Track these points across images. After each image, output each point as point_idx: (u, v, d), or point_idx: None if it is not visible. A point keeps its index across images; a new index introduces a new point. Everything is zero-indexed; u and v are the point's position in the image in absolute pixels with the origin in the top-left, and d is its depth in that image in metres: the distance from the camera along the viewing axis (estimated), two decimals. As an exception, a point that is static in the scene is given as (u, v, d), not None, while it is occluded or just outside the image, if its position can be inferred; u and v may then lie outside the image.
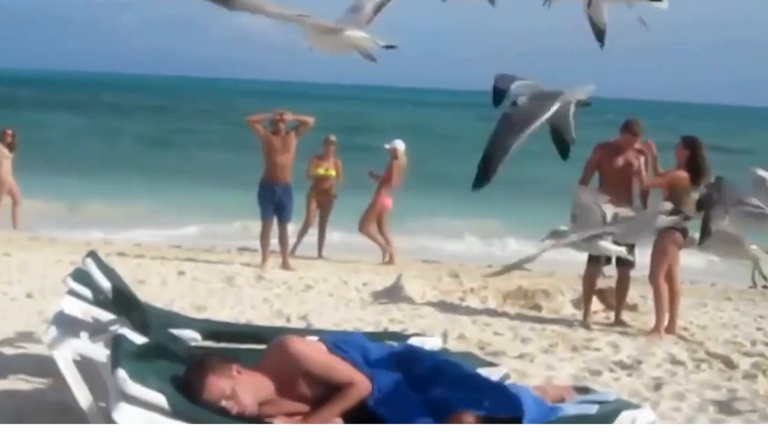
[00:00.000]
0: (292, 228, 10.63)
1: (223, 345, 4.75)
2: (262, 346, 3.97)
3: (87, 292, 4.45)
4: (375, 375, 3.70)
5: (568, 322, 7.59)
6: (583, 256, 7.63)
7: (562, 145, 3.92)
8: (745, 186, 5.04)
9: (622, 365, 6.12)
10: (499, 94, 4.16)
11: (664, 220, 6.32)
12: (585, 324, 7.50)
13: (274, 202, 10.17)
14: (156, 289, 8.09)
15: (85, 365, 4.08)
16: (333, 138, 11.74)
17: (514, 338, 6.85)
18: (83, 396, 3.86)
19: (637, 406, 4.02)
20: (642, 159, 7.57)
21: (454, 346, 6.13)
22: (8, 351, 5.59)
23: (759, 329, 7.62)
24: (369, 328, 6.66)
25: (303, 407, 3.66)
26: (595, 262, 7.52)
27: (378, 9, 4.26)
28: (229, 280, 8.88)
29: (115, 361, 3.49)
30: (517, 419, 3.58)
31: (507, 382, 4.19)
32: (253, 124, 10.25)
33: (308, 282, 9.07)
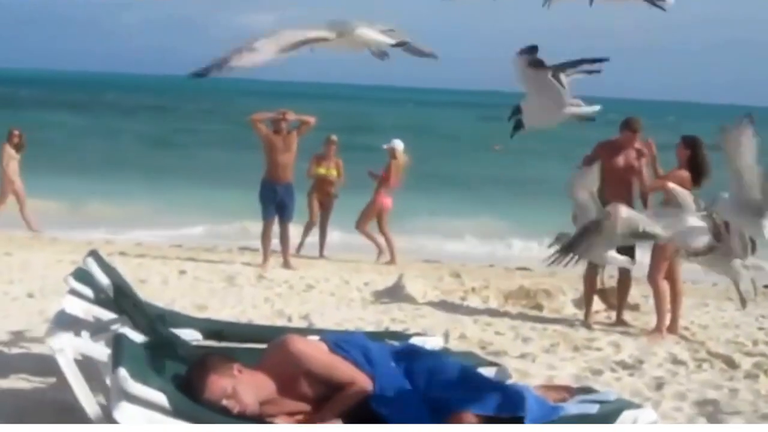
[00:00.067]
0: (292, 228, 10.61)
1: (224, 344, 4.74)
2: (264, 346, 3.97)
3: (88, 292, 4.45)
4: (376, 374, 3.70)
5: (569, 322, 7.59)
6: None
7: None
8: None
9: (624, 365, 6.12)
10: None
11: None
12: (586, 324, 7.50)
13: (275, 202, 10.16)
14: (157, 288, 8.09)
15: (86, 364, 4.08)
16: (334, 138, 11.74)
17: (515, 338, 6.85)
18: (84, 395, 3.85)
19: (638, 406, 4.01)
20: (643, 160, 7.57)
21: (455, 345, 6.13)
22: (9, 350, 5.59)
23: (760, 329, 7.61)
24: (370, 328, 6.66)
25: (304, 407, 3.66)
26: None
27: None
28: (230, 280, 8.88)
29: (116, 360, 3.49)
30: (519, 419, 3.57)
31: (508, 382, 4.20)
32: (256, 123, 10.25)
33: (309, 281, 9.07)
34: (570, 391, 4.17)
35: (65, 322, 4.27)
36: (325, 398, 3.64)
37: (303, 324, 6.92)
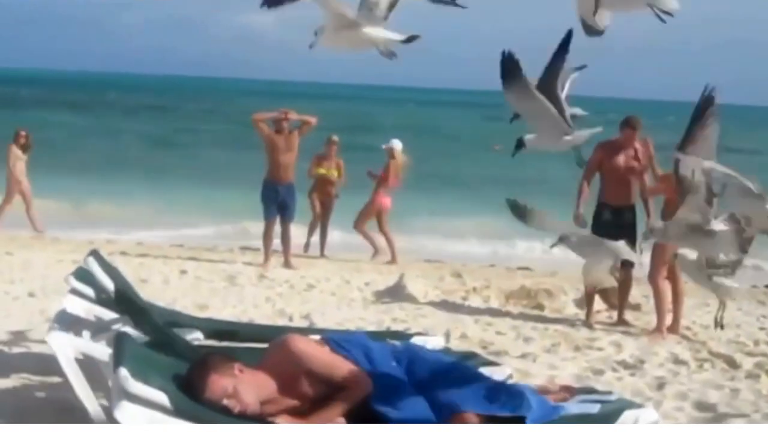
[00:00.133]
0: (293, 228, 10.60)
1: (225, 344, 4.75)
2: (264, 345, 3.97)
3: (89, 291, 4.45)
4: (377, 374, 3.69)
5: (570, 322, 7.58)
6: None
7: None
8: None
9: (625, 365, 6.12)
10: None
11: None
12: (588, 323, 7.50)
13: (277, 202, 10.17)
14: (158, 288, 8.09)
15: (87, 364, 4.08)
16: (335, 138, 11.75)
17: (516, 338, 6.84)
18: (85, 394, 3.86)
19: (639, 406, 4.01)
20: (643, 161, 7.57)
21: (456, 345, 6.12)
22: (11, 350, 5.59)
23: (762, 329, 7.61)
24: (371, 328, 6.66)
25: (305, 406, 3.65)
26: None
27: (392, 6, 4.25)
28: (231, 279, 8.88)
29: (117, 359, 3.49)
30: (520, 419, 3.57)
31: (509, 382, 4.20)
32: (258, 122, 10.24)
33: (310, 281, 9.07)
34: (571, 391, 4.16)
35: (66, 322, 4.28)
36: (326, 398, 3.64)
37: (304, 323, 6.92)
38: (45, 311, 6.37)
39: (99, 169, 20.66)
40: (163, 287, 8.24)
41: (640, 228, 7.57)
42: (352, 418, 3.61)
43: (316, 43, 4.15)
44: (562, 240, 5.86)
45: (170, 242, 12.34)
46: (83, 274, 4.51)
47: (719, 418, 5.04)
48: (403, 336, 5.05)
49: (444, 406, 3.59)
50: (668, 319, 7.23)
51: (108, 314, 4.46)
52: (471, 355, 4.82)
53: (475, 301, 8.34)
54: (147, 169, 21.55)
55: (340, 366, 3.68)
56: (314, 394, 3.65)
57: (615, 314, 7.79)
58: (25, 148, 12.64)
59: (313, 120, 10.35)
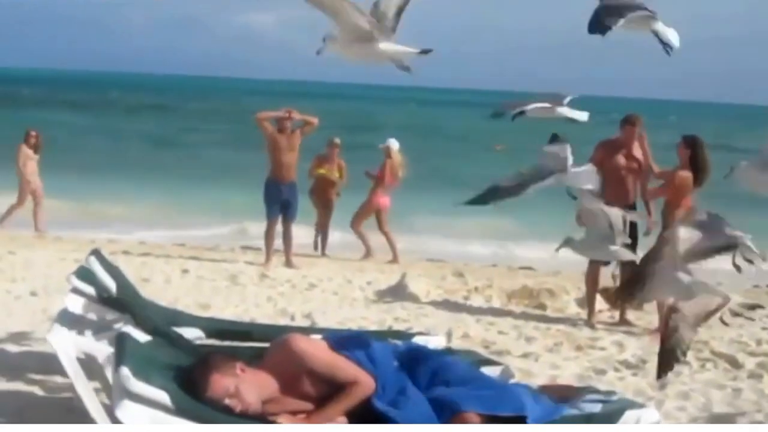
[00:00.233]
0: (294, 228, 10.59)
1: (226, 343, 4.75)
2: (266, 345, 3.97)
3: (91, 290, 4.44)
4: (379, 374, 3.69)
5: (572, 322, 7.58)
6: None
7: None
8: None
9: (627, 364, 6.11)
10: (497, 114, 4.41)
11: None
12: (590, 323, 7.49)
13: (280, 201, 10.17)
14: (160, 287, 8.09)
15: (88, 363, 4.08)
16: (337, 141, 11.77)
17: (518, 337, 6.84)
18: (87, 394, 3.85)
19: (641, 406, 4.00)
20: (650, 163, 7.58)
21: (458, 344, 6.12)
22: (12, 349, 5.59)
23: (764, 329, 7.59)
24: (373, 327, 6.66)
25: (307, 406, 3.65)
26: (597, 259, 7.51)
27: (400, 12, 4.27)
28: (233, 279, 8.88)
29: (119, 358, 3.49)
30: (522, 418, 3.57)
31: (511, 382, 4.19)
32: (262, 121, 10.24)
33: (312, 280, 9.06)
34: (573, 391, 4.16)
35: (68, 321, 4.27)
36: (328, 397, 3.64)
37: (306, 323, 6.91)
38: (47, 310, 6.37)
39: (101, 168, 20.65)
40: (165, 286, 8.24)
41: (641, 228, 7.59)
42: (354, 417, 3.61)
43: (323, 50, 4.16)
44: (567, 243, 5.87)
45: (172, 242, 12.34)
46: (85, 274, 4.50)
47: (721, 418, 5.03)
48: (405, 335, 5.05)
49: (445, 405, 3.58)
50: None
51: (109, 313, 4.45)
52: (473, 355, 4.81)
53: (477, 301, 8.34)
54: (149, 168, 21.54)
55: (342, 365, 3.67)
56: (316, 394, 3.65)
57: (617, 314, 7.78)
58: (36, 148, 12.66)
59: (315, 120, 10.36)
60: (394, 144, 11.53)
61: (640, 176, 7.63)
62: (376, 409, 3.60)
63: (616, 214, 6.33)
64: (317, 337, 3.99)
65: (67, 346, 3.98)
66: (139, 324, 4.23)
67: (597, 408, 3.84)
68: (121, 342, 3.68)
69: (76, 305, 4.41)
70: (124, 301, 4.37)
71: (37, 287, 7.62)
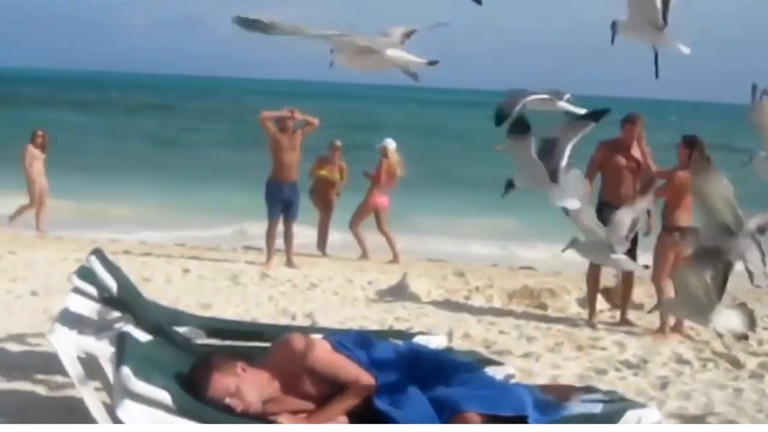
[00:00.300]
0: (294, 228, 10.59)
1: (227, 343, 4.75)
2: (267, 344, 3.97)
3: (92, 290, 4.44)
4: (380, 373, 3.69)
5: (573, 321, 7.58)
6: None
7: None
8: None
9: (628, 364, 6.11)
10: (501, 117, 4.42)
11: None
12: (591, 323, 7.49)
13: (282, 201, 10.17)
14: (161, 287, 8.10)
15: (89, 362, 4.08)
16: (338, 143, 11.77)
17: (519, 337, 6.84)
18: (88, 393, 3.85)
19: (642, 406, 4.00)
20: (648, 162, 7.57)
21: (459, 344, 6.12)
22: (13, 348, 5.59)
23: (766, 329, 7.59)
24: (374, 327, 6.66)
25: (308, 405, 3.65)
26: None
27: (407, 36, 4.29)
28: (234, 278, 8.88)
29: (120, 358, 3.49)
30: (522, 418, 3.57)
31: (512, 381, 4.19)
32: (265, 121, 10.23)
33: (313, 280, 9.06)
34: (574, 391, 4.15)
35: (69, 320, 4.27)
36: (329, 397, 3.63)
37: (306, 322, 6.92)
38: (48, 310, 6.37)
39: (101, 168, 20.65)
40: (166, 286, 8.24)
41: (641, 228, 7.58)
42: (355, 417, 3.61)
43: (334, 62, 4.18)
44: (573, 244, 5.87)
45: (173, 241, 12.34)
46: (86, 273, 4.50)
47: (723, 418, 5.03)
48: (406, 335, 5.05)
49: (446, 405, 3.58)
50: (671, 319, 7.22)
51: (110, 313, 4.45)
52: (474, 355, 4.81)
53: (477, 301, 8.34)
54: (149, 168, 21.54)
55: (343, 365, 3.67)
56: (317, 394, 3.65)
57: (618, 314, 7.78)
58: (43, 148, 12.67)
59: (315, 121, 10.37)
60: (390, 144, 11.52)
61: (641, 176, 7.62)
62: (377, 409, 3.60)
63: (618, 220, 6.31)
64: (318, 336, 3.98)
65: (68, 345, 3.98)
66: (140, 323, 4.23)
67: (598, 408, 3.83)
68: (122, 341, 3.67)
69: (77, 305, 4.40)
70: (125, 301, 4.38)
71: (38, 287, 7.63)
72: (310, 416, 3.61)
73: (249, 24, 3.70)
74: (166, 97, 62.84)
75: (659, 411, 4.24)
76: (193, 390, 3.48)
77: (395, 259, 11.25)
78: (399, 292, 8.40)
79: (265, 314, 7.17)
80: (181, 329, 4.56)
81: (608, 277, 8.18)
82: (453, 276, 9.46)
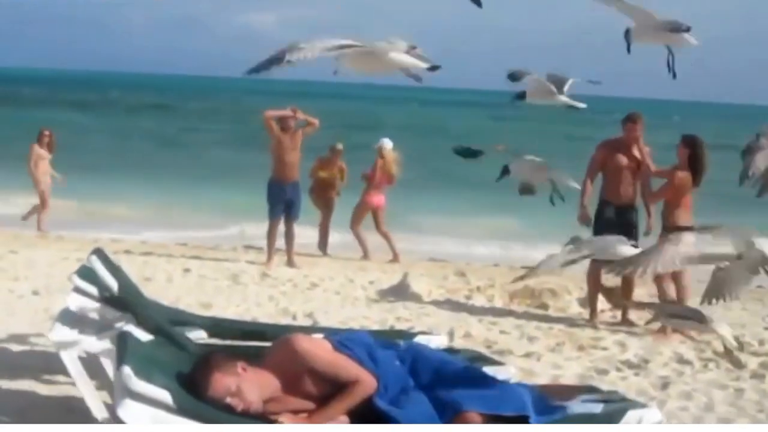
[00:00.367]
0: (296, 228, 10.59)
1: (228, 342, 4.75)
2: (268, 344, 3.96)
3: (93, 290, 4.45)
4: (380, 373, 3.69)
5: (574, 321, 7.57)
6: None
7: None
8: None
9: (629, 364, 6.11)
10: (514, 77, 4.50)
11: None
12: (592, 323, 7.48)
13: (284, 201, 10.16)
14: (162, 286, 8.10)
15: (90, 362, 4.08)
16: (340, 147, 11.78)
17: (520, 337, 6.83)
18: (89, 392, 3.86)
19: (643, 406, 3.99)
20: (647, 161, 7.57)
21: (460, 344, 6.12)
22: (14, 348, 5.59)
23: (767, 329, 7.59)
24: (375, 326, 6.66)
25: (309, 405, 3.64)
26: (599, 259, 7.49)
27: (411, 49, 4.30)
28: (234, 278, 8.88)
29: (121, 357, 3.49)
30: (523, 418, 3.56)
31: (513, 381, 4.18)
32: (269, 120, 10.22)
33: (314, 280, 9.06)
34: (575, 391, 4.15)
35: (70, 320, 4.27)
36: (330, 396, 3.63)
37: (307, 322, 6.92)
38: (49, 309, 6.37)
39: (102, 167, 20.64)
40: (167, 286, 8.24)
41: (642, 227, 7.59)
42: (356, 417, 3.60)
43: (338, 70, 4.20)
44: (574, 242, 5.87)
45: (174, 241, 12.34)
46: (87, 273, 4.51)
47: (724, 418, 5.02)
48: (407, 335, 5.05)
49: (447, 405, 3.58)
50: (672, 319, 7.22)
51: (111, 312, 4.45)
52: (475, 355, 4.81)
53: (479, 301, 8.33)
54: (150, 168, 21.53)
55: (344, 365, 3.67)
56: (318, 393, 3.65)
57: (619, 314, 7.77)
58: (50, 147, 12.67)
59: (316, 121, 10.37)
60: (387, 144, 11.51)
61: (642, 176, 7.62)
62: (377, 409, 3.59)
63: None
64: (319, 336, 3.98)
65: (69, 345, 3.99)
66: (141, 323, 4.23)
67: (599, 408, 3.83)
68: (122, 341, 3.67)
69: (78, 304, 4.41)
70: (125, 300, 4.38)
71: (39, 286, 7.63)
72: (311, 416, 3.61)
73: (265, 66, 3.79)
74: (166, 97, 62.83)
75: (660, 411, 4.23)
76: (193, 389, 3.48)
77: (395, 259, 11.24)
78: (400, 291, 8.40)
79: (265, 314, 7.17)
80: (181, 329, 4.56)
81: (609, 277, 8.18)
82: (454, 276, 9.46)
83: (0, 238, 10.94)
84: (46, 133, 12.74)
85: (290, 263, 10.12)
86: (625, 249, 6.46)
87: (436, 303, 8.10)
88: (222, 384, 3.50)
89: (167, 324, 4.40)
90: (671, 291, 7.25)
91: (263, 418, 3.54)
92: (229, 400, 3.49)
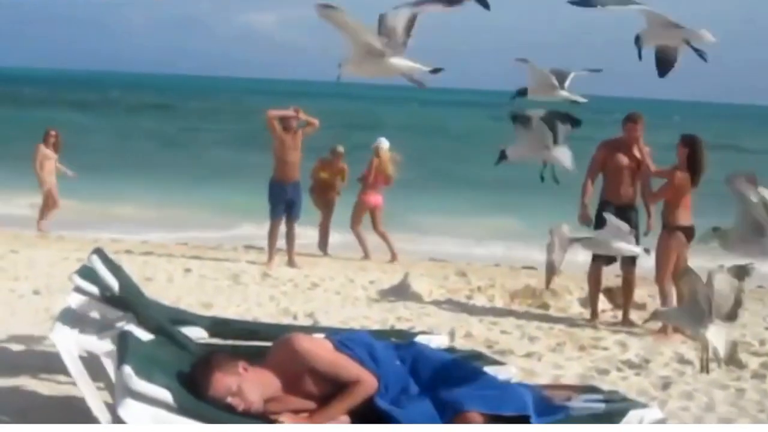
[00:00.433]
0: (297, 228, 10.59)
1: (229, 342, 4.74)
2: (269, 344, 3.96)
3: (93, 289, 4.44)
4: (381, 373, 3.69)
5: (575, 321, 7.57)
6: (589, 255, 7.60)
7: None
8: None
9: (630, 364, 6.10)
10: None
11: None
12: (592, 323, 7.49)
13: (285, 201, 10.16)
14: (163, 286, 8.10)
15: (91, 361, 4.08)
16: (341, 150, 11.79)
17: (521, 337, 6.83)
18: (89, 392, 3.85)
19: (644, 406, 4.00)
20: (647, 161, 7.57)
21: (461, 344, 6.12)
22: (15, 347, 5.59)
23: (767, 329, 7.59)
24: (376, 326, 6.66)
25: (309, 405, 3.64)
26: (599, 258, 7.51)
27: (409, 27, 4.30)
28: (235, 278, 8.88)
29: (121, 357, 3.49)
30: (524, 418, 3.56)
31: (514, 381, 4.18)
32: (272, 120, 10.22)
33: (314, 280, 9.06)
34: (576, 391, 4.15)
35: (70, 320, 4.27)
36: (331, 396, 3.63)
37: (308, 322, 6.91)
38: (49, 309, 6.37)
39: (102, 167, 20.62)
40: (168, 285, 8.24)
41: (642, 227, 7.59)
42: (356, 416, 3.60)
43: (341, 75, 4.22)
44: (577, 240, 5.88)
45: (174, 241, 12.35)
46: (87, 272, 4.50)
47: (725, 417, 5.02)
48: (408, 335, 5.04)
49: (448, 405, 3.58)
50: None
51: (112, 312, 4.45)
52: (475, 355, 4.81)
53: (479, 300, 8.33)
54: (150, 167, 21.53)
55: (345, 365, 3.67)
56: (318, 393, 3.65)
57: (620, 314, 7.77)
58: (56, 148, 12.66)
59: (316, 122, 10.37)
60: (383, 143, 11.51)
61: (642, 176, 7.62)
62: (378, 408, 3.59)
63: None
64: (320, 336, 3.98)
65: (70, 344, 3.98)
66: (142, 323, 4.23)
67: (600, 408, 3.83)
68: (123, 341, 3.67)
69: (78, 304, 4.41)
70: (126, 300, 4.37)
71: (40, 286, 7.63)
72: (312, 416, 3.61)
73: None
74: (166, 97, 62.81)
75: (661, 411, 4.23)
76: (194, 389, 3.48)
77: (393, 258, 11.23)
78: (401, 291, 8.40)
79: (266, 314, 7.17)
80: (182, 328, 4.56)
81: (610, 277, 8.18)
82: (455, 276, 9.46)
83: (0, 238, 10.94)
84: (53, 133, 12.72)
85: (291, 263, 10.12)
86: (621, 243, 6.48)
87: (436, 303, 8.10)
88: (223, 384, 3.50)
89: (168, 324, 4.39)
90: (672, 291, 7.25)
91: (264, 417, 3.54)
92: (230, 399, 3.49)
